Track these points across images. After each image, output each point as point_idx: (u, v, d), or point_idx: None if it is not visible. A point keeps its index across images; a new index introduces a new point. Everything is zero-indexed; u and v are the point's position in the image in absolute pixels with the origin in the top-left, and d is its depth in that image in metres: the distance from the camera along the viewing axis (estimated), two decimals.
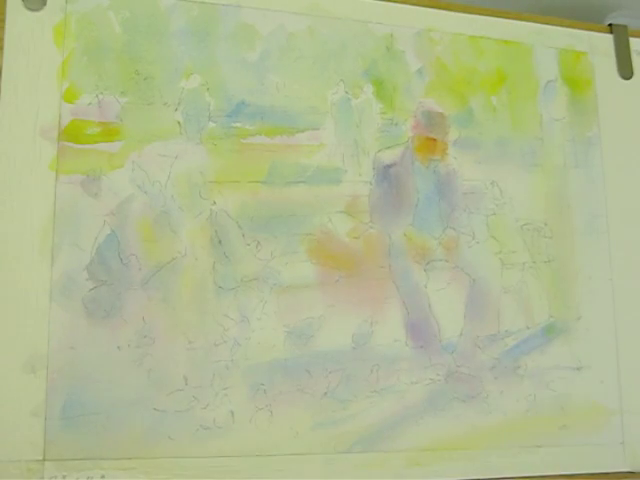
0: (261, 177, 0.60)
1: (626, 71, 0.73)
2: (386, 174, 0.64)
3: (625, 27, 0.74)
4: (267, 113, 0.62)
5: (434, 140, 0.66)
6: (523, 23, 0.71)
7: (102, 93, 0.58)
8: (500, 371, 0.64)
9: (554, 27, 0.72)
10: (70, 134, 0.56)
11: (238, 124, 0.61)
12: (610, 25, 0.74)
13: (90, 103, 0.57)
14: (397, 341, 0.61)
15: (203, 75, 0.61)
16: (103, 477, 0.53)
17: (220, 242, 0.58)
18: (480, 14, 0.70)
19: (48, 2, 0.58)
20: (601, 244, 0.69)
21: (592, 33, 0.73)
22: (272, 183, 0.61)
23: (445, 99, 0.67)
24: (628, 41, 0.74)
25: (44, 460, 0.52)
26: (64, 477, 0.52)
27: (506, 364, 0.64)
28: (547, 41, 0.71)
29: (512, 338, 0.65)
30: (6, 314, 0.53)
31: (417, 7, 0.68)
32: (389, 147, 0.64)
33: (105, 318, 0.55)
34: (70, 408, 0.53)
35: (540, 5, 0.81)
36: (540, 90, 0.70)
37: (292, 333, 0.59)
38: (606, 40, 0.74)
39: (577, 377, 0.66)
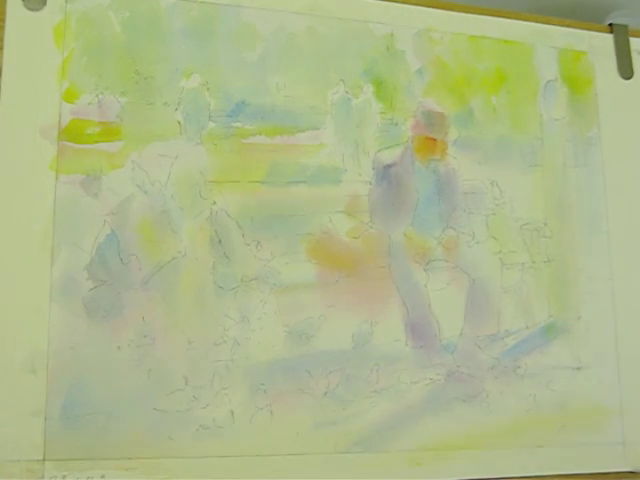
0: (261, 177, 0.60)
1: (626, 71, 0.73)
2: (386, 174, 0.64)
3: (625, 27, 0.74)
4: (267, 113, 0.62)
5: (434, 140, 0.66)
6: (523, 23, 0.71)
7: (102, 93, 0.58)
8: (500, 371, 0.64)
9: (554, 27, 0.72)
10: (70, 134, 0.56)
11: (238, 124, 0.61)
12: (610, 25, 0.74)
13: (90, 103, 0.57)
14: (397, 341, 0.61)
15: (203, 75, 0.61)
16: (103, 477, 0.53)
17: (220, 242, 0.58)
18: (480, 14, 0.70)
19: (48, 2, 0.58)
20: (601, 244, 0.69)
21: (592, 33, 0.73)
22: (272, 183, 0.61)
23: (445, 99, 0.67)
24: (628, 41, 0.74)
25: (44, 460, 0.52)
26: (64, 477, 0.52)
27: (506, 364, 0.64)
28: (547, 41, 0.71)
29: (512, 338, 0.65)
30: (6, 314, 0.53)
31: (417, 7, 0.68)
32: (389, 147, 0.64)
33: (105, 318, 0.55)
34: (70, 408, 0.53)
35: (540, 5, 0.81)
36: (540, 90, 0.70)
37: (292, 333, 0.59)
38: (606, 40, 0.74)
39: (577, 377, 0.66)
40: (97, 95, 0.58)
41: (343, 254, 0.62)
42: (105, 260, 0.56)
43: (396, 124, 0.65)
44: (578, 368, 0.66)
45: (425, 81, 0.67)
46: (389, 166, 0.64)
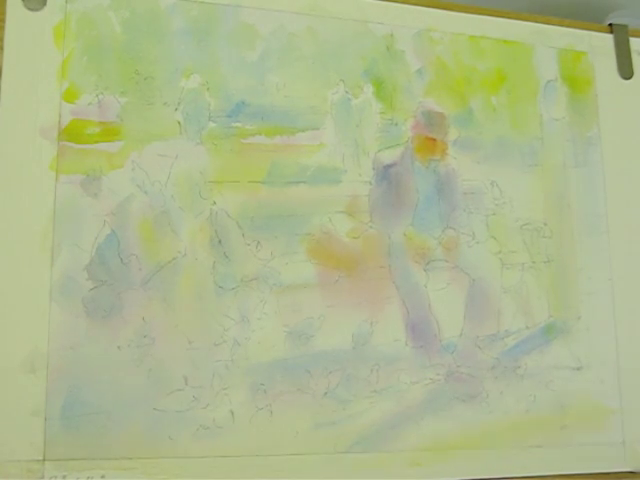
0: (261, 177, 0.60)
1: (626, 71, 0.73)
2: (386, 174, 0.64)
3: (625, 27, 0.74)
4: (267, 113, 0.62)
5: (434, 140, 0.66)
6: (523, 23, 0.71)
7: (102, 93, 0.58)
8: (500, 371, 0.64)
9: (554, 27, 0.72)
10: (70, 134, 0.56)
11: (238, 124, 0.61)
12: (610, 25, 0.74)
13: (90, 103, 0.57)
14: (397, 341, 0.61)
15: (203, 75, 0.61)
16: (103, 477, 0.53)
17: (220, 242, 0.58)
18: (480, 14, 0.70)
19: (48, 2, 0.58)
20: (601, 244, 0.69)
21: (592, 33, 0.73)
22: (272, 183, 0.61)
23: (445, 99, 0.67)
24: (628, 41, 0.74)
25: (44, 460, 0.52)
26: (64, 477, 0.52)
27: (506, 364, 0.64)
28: (547, 41, 0.71)
29: (512, 338, 0.65)
30: (6, 314, 0.53)
31: (417, 7, 0.68)
32: (389, 147, 0.64)
33: (105, 318, 0.55)
34: (70, 408, 0.53)
35: (540, 5, 0.81)
36: (540, 90, 0.70)
37: (292, 333, 0.59)
38: (606, 40, 0.74)
39: (577, 377, 0.66)
40: (97, 95, 0.58)
41: (343, 254, 0.62)
42: (105, 260, 0.56)
43: (396, 124, 0.65)
44: (578, 368, 0.66)
45: (425, 81, 0.67)
46: (389, 166, 0.64)
